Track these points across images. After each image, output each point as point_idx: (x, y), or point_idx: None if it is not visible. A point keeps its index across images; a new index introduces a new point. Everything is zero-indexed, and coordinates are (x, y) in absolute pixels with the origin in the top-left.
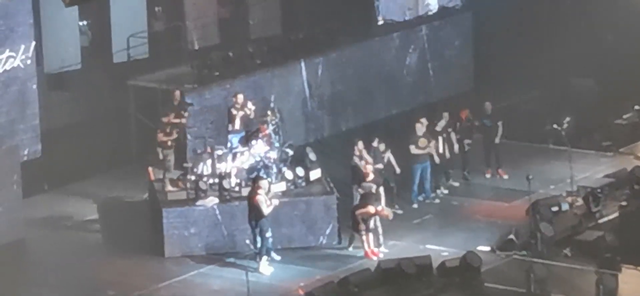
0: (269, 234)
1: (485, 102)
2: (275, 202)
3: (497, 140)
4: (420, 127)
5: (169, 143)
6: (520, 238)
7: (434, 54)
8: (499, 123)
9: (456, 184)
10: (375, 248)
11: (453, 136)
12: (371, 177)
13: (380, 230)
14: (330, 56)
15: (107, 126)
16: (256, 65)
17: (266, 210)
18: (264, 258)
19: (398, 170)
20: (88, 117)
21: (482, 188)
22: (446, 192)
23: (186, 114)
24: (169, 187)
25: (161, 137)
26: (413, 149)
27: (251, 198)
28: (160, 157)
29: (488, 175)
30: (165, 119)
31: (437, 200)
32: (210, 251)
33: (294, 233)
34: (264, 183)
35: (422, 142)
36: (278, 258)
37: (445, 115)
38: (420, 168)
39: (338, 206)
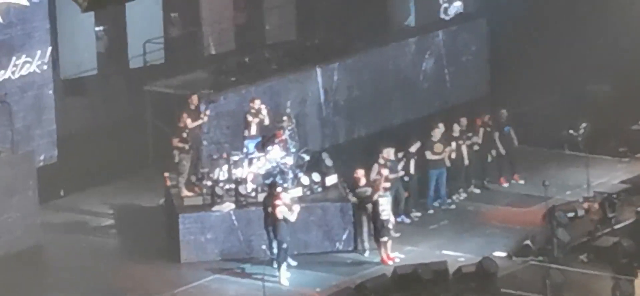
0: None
1: (501, 109)
2: (296, 208)
3: (516, 144)
4: (437, 133)
5: (185, 148)
6: (537, 243)
7: (450, 59)
8: (510, 128)
9: (477, 191)
10: (392, 254)
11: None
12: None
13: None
14: (346, 61)
15: (123, 132)
16: (272, 71)
17: (292, 217)
18: (284, 266)
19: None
20: (104, 122)
21: (498, 193)
22: (462, 197)
23: (204, 118)
24: (185, 193)
25: (176, 142)
26: (429, 155)
27: (268, 205)
28: (176, 160)
29: (505, 185)
30: (181, 124)
31: (453, 206)
32: (227, 257)
33: (310, 239)
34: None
35: (438, 147)
36: (294, 263)
37: (463, 121)
38: (436, 173)
39: (354, 212)
